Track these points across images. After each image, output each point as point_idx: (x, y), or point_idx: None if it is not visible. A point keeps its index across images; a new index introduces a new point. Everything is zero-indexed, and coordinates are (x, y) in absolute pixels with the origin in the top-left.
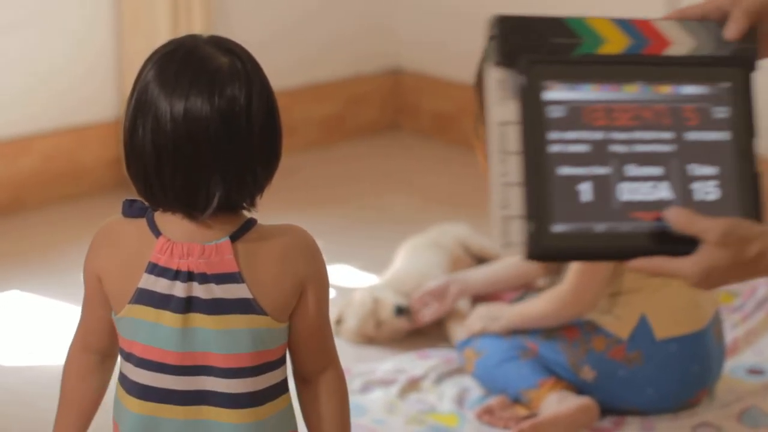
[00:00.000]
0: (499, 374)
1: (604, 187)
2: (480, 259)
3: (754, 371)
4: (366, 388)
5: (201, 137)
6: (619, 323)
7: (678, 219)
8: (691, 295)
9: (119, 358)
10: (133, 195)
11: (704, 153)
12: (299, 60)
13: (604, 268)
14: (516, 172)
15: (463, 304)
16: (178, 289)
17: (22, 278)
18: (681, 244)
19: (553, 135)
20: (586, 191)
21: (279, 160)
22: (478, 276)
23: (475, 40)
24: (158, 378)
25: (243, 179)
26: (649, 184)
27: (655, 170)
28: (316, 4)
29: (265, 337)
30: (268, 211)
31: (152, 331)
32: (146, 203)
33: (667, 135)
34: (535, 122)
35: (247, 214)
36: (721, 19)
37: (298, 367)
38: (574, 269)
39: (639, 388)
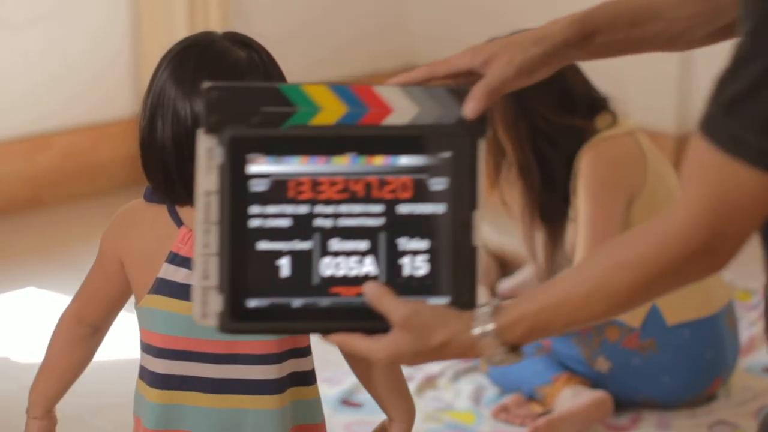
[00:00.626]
0: (514, 372)
1: (304, 262)
2: (498, 258)
3: None
4: None
5: None
6: (630, 312)
7: (371, 296)
8: (700, 282)
9: (140, 351)
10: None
11: (417, 226)
12: (316, 58)
13: None
14: (217, 243)
15: None
16: None
17: (39, 275)
18: (380, 321)
19: (254, 209)
20: (285, 266)
21: None
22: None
23: (490, 35)
24: (180, 366)
25: None
26: (355, 258)
27: (361, 244)
28: (333, 3)
29: None
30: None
31: (171, 320)
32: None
33: (376, 208)
34: (235, 196)
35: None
36: (466, 79)
37: None
38: (577, 259)
39: (654, 377)
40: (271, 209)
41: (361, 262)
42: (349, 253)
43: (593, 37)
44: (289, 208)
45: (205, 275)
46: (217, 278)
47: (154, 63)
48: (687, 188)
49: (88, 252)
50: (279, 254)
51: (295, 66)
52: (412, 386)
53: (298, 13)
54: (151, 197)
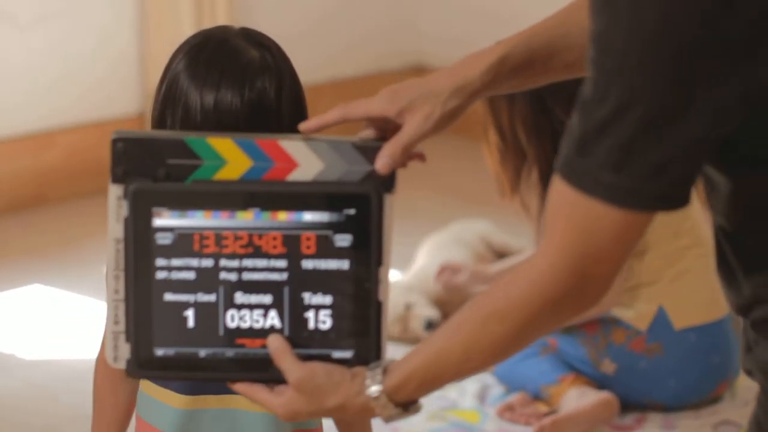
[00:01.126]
0: (519, 371)
1: (210, 314)
2: (503, 256)
3: None
4: None
5: (230, 129)
6: (637, 315)
7: (273, 351)
8: (708, 285)
9: None
10: None
11: (321, 282)
12: (323, 56)
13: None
14: (124, 292)
15: None
16: None
17: (44, 272)
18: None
19: (160, 262)
20: (191, 317)
21: None
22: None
23: (498, 36)
24: None
25: None
26: (259, 311)
27: (266, 298)
28: (340, 2)
29: None
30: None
31: None
32: None
33: (280, 263)
34: (141, 248)
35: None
36: (381, 125)
37: None
38: None
39: (660, 380)
40: (176, 262)
41: (265, 315)
42: (253, 306)
43: (510, 79)
44: (194, 262)
45: (116, 320)
46: (125, 326)
47: (160, 61)
48: (550, 231)
49: (94, 249)
50: (185, 306)
51: (302, 65)
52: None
53: (305, 11)
54: None
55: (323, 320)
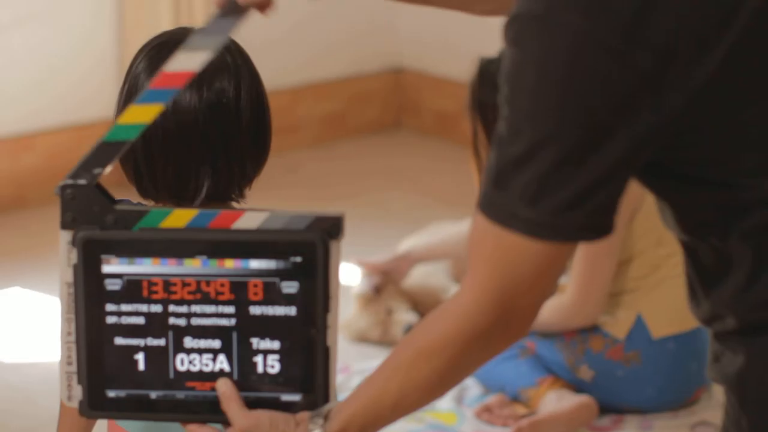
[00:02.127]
0: (498, 372)
1: (160, 357)
2: None
3: None
4: None
5: (190, 129)
6: (616, 323)
7: (220, 396)
8: (686, 294)
9: None
10: (128, 195)
11: (269, 327)
12: (302, 58)
13: (605, 275)
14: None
15: None
16: None
17: (24, 275)
18: None
19: (110, 307)
20: (141, 361)
21: (268, 152)
22: (424, 244)
23: (477, 38)
24: None
25: (231, 170)
26: (208, 355)
27: (215, 343)
28: (318, 4)
29: None
30: (270, 207)
31: None
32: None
33: (228, 309)
34: (91, 294)
35: (236, 205)
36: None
37: None
38: (575, 280)
39: (637, 388)
40: (126, 307)
41: (214, 359)
42: (202, 351)
43: None
44: (143, 307)
45: (69, 361)
46: (77, 367)
47: None
48: (472, 266)
49: None
50: (135, 349)
51: (281, 67)
52: None
53: (283, 14)
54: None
55: (272, 365)
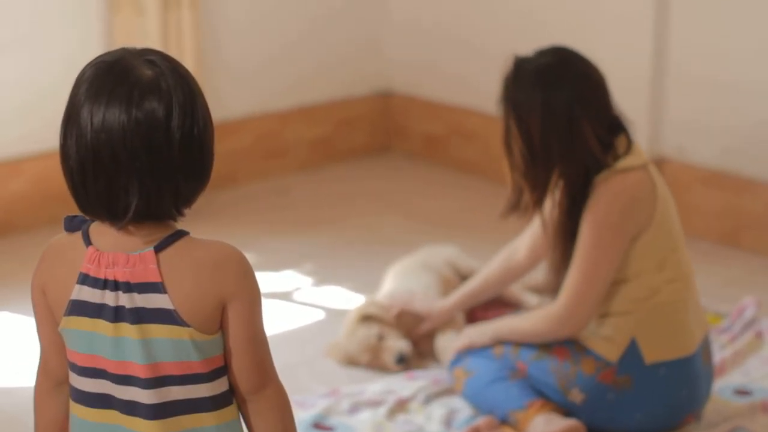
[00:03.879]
0: (488, 395)
1: None
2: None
3: (741, 392)
4: (354, 408)
5: (117, 146)
6: (609, 346)
7: None
8: (682, 321)
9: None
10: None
11: None
12: (290, 82)
13: (599, 287)
14: None
15: (459, 318)
16: (109, 298)
17: (11, 300)
18: None
19: None
20: None
21: (207, 174)
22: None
23: (464, 62)
24: (100, 385)
25: (161, 190)
26: None
27: None
28: (307, 28)
29: (189, 349)
30: (259, 231)
31: (90, 339)
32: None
33: None
34: None
35: (177, 224)
36: None
37: (235, 385)
38: (569, 288)
39: (628, 412)
40: None
41: None
42: None
43: None
44: None
45: None
46: None
47: None
48: None
49: None
50: None
51: (270, 91)
52: (383, 410)
53: (272, 38)
54: (69, 226)
55: None
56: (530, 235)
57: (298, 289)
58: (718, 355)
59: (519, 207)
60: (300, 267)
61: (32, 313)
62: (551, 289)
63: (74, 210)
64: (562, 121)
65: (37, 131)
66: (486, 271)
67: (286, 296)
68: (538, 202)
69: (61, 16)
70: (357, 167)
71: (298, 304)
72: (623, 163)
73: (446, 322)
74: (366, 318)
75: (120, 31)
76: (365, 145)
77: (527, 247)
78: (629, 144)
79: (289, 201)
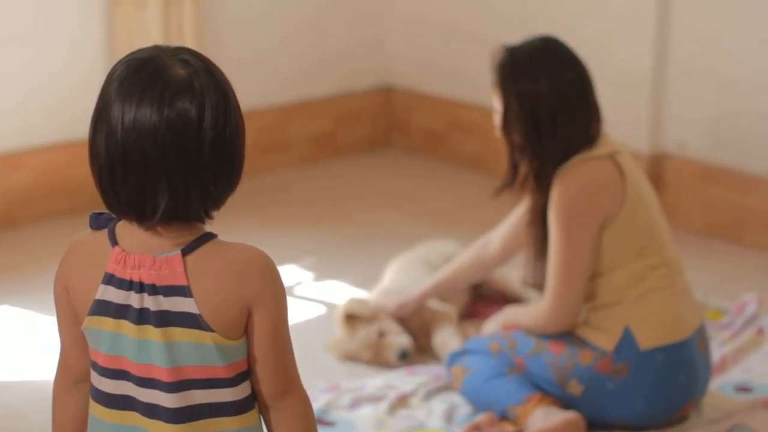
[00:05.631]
0: (487, 391)
1: None
2: (502, 290)
3: (742, 389)
4: (355, 404)
5: (148, 146)
6: (604, 336)
7: None
8: (673, 306)
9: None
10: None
11: None
12: (291, 77)
13: (578, 282)
14: None
15: (451, 315)
16: (134, 299)
17: (14, 293)
18: None
19: None
20: None
21: (237, 176)
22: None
23: (466, 57)
24: (121, 386)
25: (191, 191)
26: None
27: None
28: (308, 22)
29: (213, 353)
30: (259, 225)
31: (113, 340)
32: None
33: None
34: None
35: (205, 227)
36: None
37: (258, 390)
38: (550, 288)
39: (627, 401)
40: None
41: None
42: None
43: None
44: None
45: None
46: None
47: None
48: None
49: None
50: None
51: (271, 85)
52: (384, 405)
53: (272, 31)
54: (95, 224)
55: None
56: (504, 229)
57: (299, 283)
58: (719, 352)
59: (513, 184)
60: (300, 261)
61: (35, 306)
62: (529, 283)
63: (74, 204)
64: (570, 100)
65: (39, 124)
66: (458, 262)
67: (287, 291)
68: (539, 171)
69: (62, 8)
70: (358, 162)
71: (299, 298)
72: (586, 153)
73: (416, 311)
74: (350, 317)
75: (121, 24)
76: (366, 140)
77: (501, 240)
78: (599, 134)
79: (289, 196)
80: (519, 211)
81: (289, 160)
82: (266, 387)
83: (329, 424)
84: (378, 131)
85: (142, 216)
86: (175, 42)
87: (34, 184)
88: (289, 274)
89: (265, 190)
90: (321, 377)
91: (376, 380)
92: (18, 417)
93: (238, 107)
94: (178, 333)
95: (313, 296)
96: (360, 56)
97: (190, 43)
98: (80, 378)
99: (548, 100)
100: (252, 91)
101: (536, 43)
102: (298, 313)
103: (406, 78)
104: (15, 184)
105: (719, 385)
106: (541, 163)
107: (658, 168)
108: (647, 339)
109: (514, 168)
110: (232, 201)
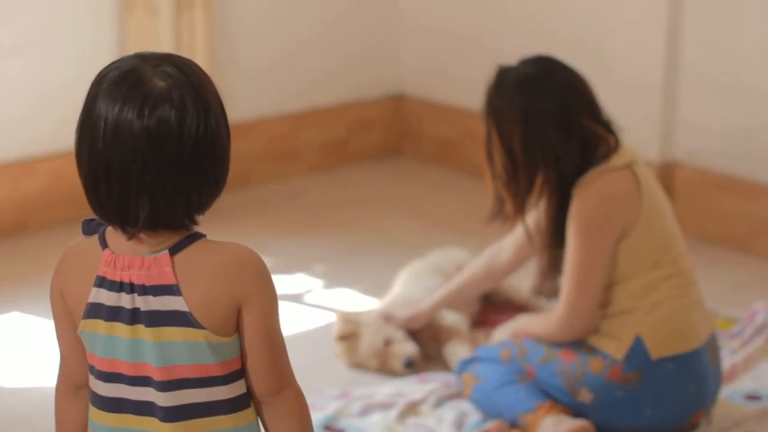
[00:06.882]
0: (497, 398)
1: None
2: (511, 299)
3: (752, 397)
4: (365, 411)
5: (128, 155)
6: (615, 344)
7: None
8: (685, 316)
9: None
10: None
11: None
12: (303, 85)
13: (592, 292)
14: None
15: (462, 324)
16: (125, 300)
17: (24, 300)
18: None
19: None
20: None
21: (221, 183)
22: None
23: (477, 66)
24: (116, 388)
25: (173, 200)
26: None
27: None
28: (320, 31)
29: (204, 351)
30: (270, 233)
31: (107, 343)
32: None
33: None
34: None
35: (197, 229)
36: None
37: (252, 388)
38: (564, 296)
39: (637, 410)
40: None
41: None
42: None
43: None
44: None
45: None
46: None
47: None
48: None
49: None
50: None
51: (283, 93)
52: (394, 412)
53: (284, 40)
54: (87, 229)
55: None
56: (516, 237)
57: (309, 291)
58: (729, 360)
59: (501, 215)
60: (311, 269)
61: (45, 313)
62: (540, 293)
63: (86, 212)
64: (542, 131)
65: (50, 132)
66: (468, 271)
67: (297, 298)
68: (519, 212)
69: (73, 17)
70: (369, 170)
71: (309, 306)
72: (604, 165)
73: (428, 322)
74: (343, 338)
75: (132, 33)
76: (377, 148)
77: (512, 249)
78: (616, 146)
79: (300, 203)
80: (530, 220)
81: (301, 168)
82: (260, 384)
83: (339, 431)
84: (389, 140)
85: (125, 225)
86: (186, 51)
87: (45, 192)
88: (300, 281)
89: (277, 197)
90: (331, 384)
91: (386, 387)
92: (25, 423)
93: (222, 115)
94: (170, 332)
95: (324, 304)
96: (372, 65)
97: (201, 52)
98: (80, 384)
99: (520, 127)
100: (263, 99)
101: (527, 65)
102: (307, 320)
103: (418, 87)
104: (26, 192)
105: (729, 393)
106: (513, 199)
107: (668, 177)
108: (658, 348)
109: (499, 199)
110: (242, 208)
